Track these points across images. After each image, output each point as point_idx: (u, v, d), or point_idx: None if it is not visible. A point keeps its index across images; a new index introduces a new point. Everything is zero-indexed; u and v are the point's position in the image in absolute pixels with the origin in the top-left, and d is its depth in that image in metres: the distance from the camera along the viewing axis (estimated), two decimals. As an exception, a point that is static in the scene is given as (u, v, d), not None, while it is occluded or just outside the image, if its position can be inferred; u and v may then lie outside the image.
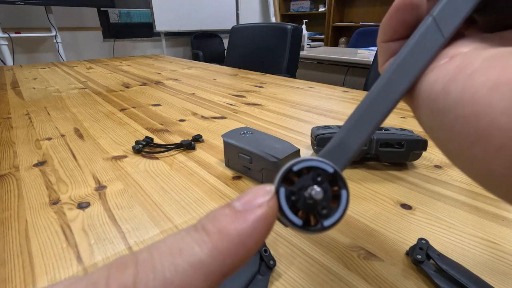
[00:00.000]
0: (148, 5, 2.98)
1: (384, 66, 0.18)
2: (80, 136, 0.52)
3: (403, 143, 0.38)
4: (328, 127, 0.41)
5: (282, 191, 0.13)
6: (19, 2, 2.20)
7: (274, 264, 0.23)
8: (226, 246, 0.09)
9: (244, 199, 0.11)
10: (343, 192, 0.13)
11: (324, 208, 0.13)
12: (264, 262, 0.23)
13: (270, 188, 0.12)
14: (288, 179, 0.13)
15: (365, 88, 1.11)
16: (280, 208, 0.13)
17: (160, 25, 3.03)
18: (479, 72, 0.12)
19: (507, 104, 0.11)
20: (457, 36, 0.15)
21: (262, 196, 0.11)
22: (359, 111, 0.15)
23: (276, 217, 0.14)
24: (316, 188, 0.13)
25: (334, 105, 0.70)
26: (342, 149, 0.15)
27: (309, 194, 0.13)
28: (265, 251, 0.24)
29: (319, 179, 0.13)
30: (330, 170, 0.13)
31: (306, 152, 0.45)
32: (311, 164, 0.13)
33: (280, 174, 0.13)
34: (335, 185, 0.13)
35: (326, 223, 0.13)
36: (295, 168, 0.13)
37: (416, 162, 0.41)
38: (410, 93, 0.15)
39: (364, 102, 0.15)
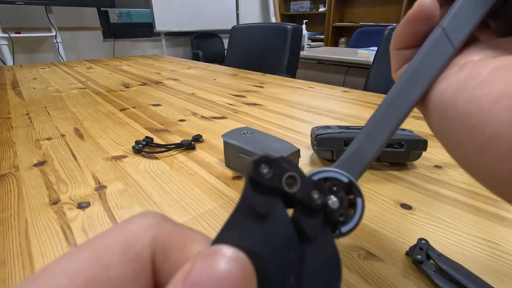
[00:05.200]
0: (148, 5, 2.98)
1: (397, 73, 0.19)
2: (80, 136, 0.52)
3: (403, 143, 0.38)
4: (328, 127, 0.41)
5: None
6: (19, 2, 2.20)
7: None
8: None
9: None
10: (359, 200, 0.14)
11: (341, 215, 0.14)
12: None
13: (245, 266, 0.08)
14: None
15: (365, 88, 1.11)
16: None
17: (160, 25, 3.03)
18: (485, 83, 0.12)
19: (509, 115, 0.11)
20: (471, 40, 0.15)
21: (243, 282, 0.07)
22: (373, 121, 0.16)
23: None
24: (333, 198, 0.13)
25: (334, 105, 0.70)
26: (357, 158, 0.15)
27: (323, 204, 0.13)
28: None
29: (335, 188, 0.14)
30: (345, 180, 0.14)
31: (306, 152, 0.45)
32: (327, 175, 0.14)
33: None
34: (351, 193, 0.14)
35: (344, 229, 0.14)
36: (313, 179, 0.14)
37: (416, 162, 0.41)
38: (422, 100, 0.16)
39: (377, 112, 0.16)
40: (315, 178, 0.14)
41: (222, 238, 0.09)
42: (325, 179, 0.14)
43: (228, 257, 0.08)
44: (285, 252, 0.09)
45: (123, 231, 0.09)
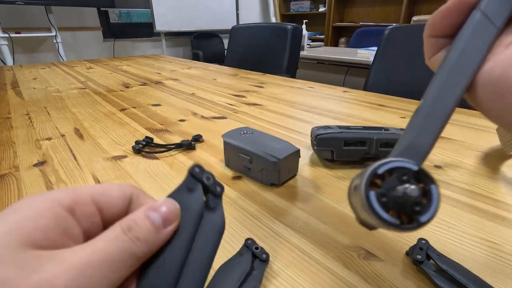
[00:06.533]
0: (148, 5, 2.98)
1: (432, 59, 0.19)
2: (80, 136, 0.52)
3: (403, 143, 0.38)
4: (328, 127, 0.41)
5: (373, 194, 0.13)
6: (19, 2, 2.20)
7: (267, 258, 0.24)
8: (149, 248, 0.14)
9: (164, 215, 0.15)
10: (433, 187, 0.13)
11: (417, 204, 0.13)
12: (257, 258, 0.23)
13: (177, 208, 0.15)
14: (371, 182, 0.14)
15: (365, 88, 1.11)
16: (374, 212, 0.13)
17: (160, 25, 3.03)
18: None
19: None
20: (510, 21, 0.16)
21: (172, 216, 0.15)
22: (425, 109, 0.15)
23: (358, 221, 0.15)
24: (411, 186, 0.13)
25: (334, 105, 0.70)
26: (416, 147, 0.15)
27: (402, 193, 0.13)
28: (256, 248, 0.24)
29: (405, 178, 0.13)
30: (415, 168, 0.14)
31: (306, 152, 0.45)
32: (395, 165, 0.14)
33: (365, 179, 0.14)
34: (419, 182, 0.14)
35: (423, 218, 0.13)
36: (380, 171, 0.14)
37: (416, 162, 0.41)
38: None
39: (428, 101, 0.15)
40: (382, 169, 0.14)
41: (170, 195, 0.16)
42: (391, 170, 0.14)
43: (171, 200, 0.15)
44: (196, 208, 0.16)
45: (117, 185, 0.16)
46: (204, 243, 0.15)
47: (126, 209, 0.16)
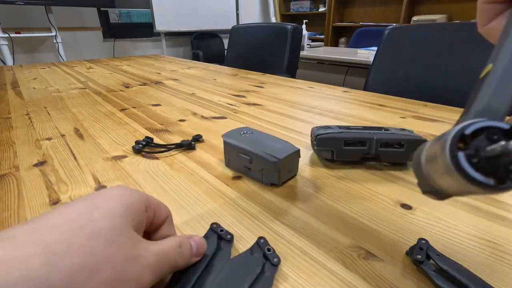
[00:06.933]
0: (148, 5, 2.98)
1: (486, 27, 0.19)
2: (80, 136, 0.52)
3: (403, 143, 0.38)
4: (328, 127, 0.41)
5: (462, 156, 0.12)
6: (19, 2, 2.20)
7: (279, 262, 0.23)
8: (184, 264, 0.21)
9: (198, 247, 0.22)
10: None
11: (511, 163, 0.12)
12: (269, 261, 0.23)
13: (205, 247, 0.23)
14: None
15: (365, 88, 1.11)
16: (466, 175, 0.12)
17: (160, 25, 3.03)
18: None
19: None
20: None
21: (202, 250, 0.22)
22: (499, 71, 0.15)
23: (425, 190, 0.15)
24: (511, 143, 0.12)
25: (334, 105, 0.70)
26: (494, 108, 0.14)
27: (501, 152, 0.12)
28: (268, 249, 0.24)
29: (495, 137, 0.12)
30: (506, 126, 0.13)
31: (306, 152, 0.45)
32: (484, 125, 0.13)
33: (450, 141, 0.13)
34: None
35: None
36: (468, 131, 0.13)
37: (416, 162, 0.41)
38: None
39: (501, 62, 0.15)
40: (471, 129, 0.13)
41: (204, 236, 0.25)
42: (476, 131, 0.13)
43: (202, 237, 0.23)
44: (213, 247, 0.24)
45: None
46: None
47: (162, 224, 0.22)
